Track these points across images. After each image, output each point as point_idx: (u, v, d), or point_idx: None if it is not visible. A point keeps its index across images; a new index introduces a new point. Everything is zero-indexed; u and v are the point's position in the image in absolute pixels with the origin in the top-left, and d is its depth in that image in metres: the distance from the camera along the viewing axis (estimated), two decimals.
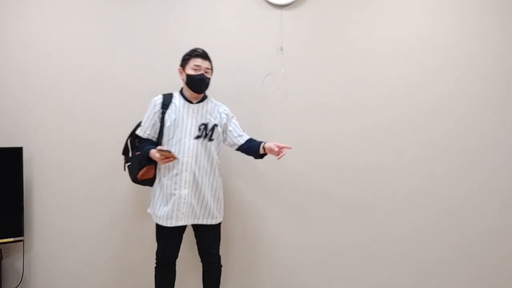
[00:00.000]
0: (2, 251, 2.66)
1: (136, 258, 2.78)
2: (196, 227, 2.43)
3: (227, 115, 2.47)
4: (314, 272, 2.77)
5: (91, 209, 2.76)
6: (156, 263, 2.45)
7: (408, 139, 2.72)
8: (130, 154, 2.48)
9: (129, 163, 2.47)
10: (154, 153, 2.29)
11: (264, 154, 2.43)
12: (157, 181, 2.41)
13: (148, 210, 2.44)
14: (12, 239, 2.59)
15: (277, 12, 2.76)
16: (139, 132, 2.42)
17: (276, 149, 2.30)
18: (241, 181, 2.76)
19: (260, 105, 2.75)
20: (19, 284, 2.70)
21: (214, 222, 2.40)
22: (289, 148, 2.32)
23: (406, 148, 2.72)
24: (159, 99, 2.41)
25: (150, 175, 2.39)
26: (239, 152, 2.51)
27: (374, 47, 2.74)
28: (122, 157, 2.68)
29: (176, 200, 2.31)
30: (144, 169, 2.36)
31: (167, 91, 2.74)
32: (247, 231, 2.78)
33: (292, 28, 2.76)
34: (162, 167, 2.37)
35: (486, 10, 2.68)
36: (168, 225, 2.32)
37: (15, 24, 2.75)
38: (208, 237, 2.42)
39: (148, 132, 2.40)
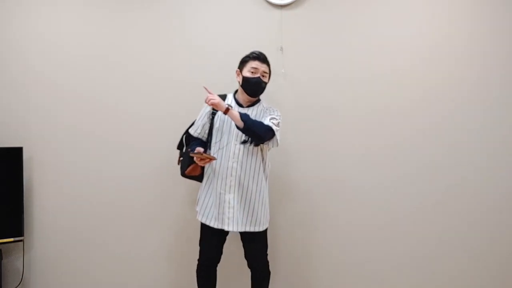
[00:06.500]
0: (2, 251, 2.66)
1: (135, 259, 2.78)
2: (242, 233, 2.37)
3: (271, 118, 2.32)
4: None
5: (90, 209, 2.76)
6: (197, 265, 2.43)
7: (409, 138, 2.73)
8: (184, 150, 2.49)
9: (182, 158, 2.48)
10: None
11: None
12: (205, 181, 2.41)
13: (197, 208, 2.43)
14: (12, 239, 2.59)
15: (277, 12, 2.76)
16: (191, 130, 2.43)
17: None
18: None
19: None
20: (19, 284, 2.70)
21: (260, 229, 2.34)
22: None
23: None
24: None
25: (196, 173, 2.39)
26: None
27: (375, 47, 2.74)
28: (122, 157, 2.69)
29: (222, 203, 2.30)
30: (191, 166, 2.37)
31: (169, 90, 2.75)
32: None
33: (292, 28, 2.75)
34: (210, 169, 2.37)
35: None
36: (213, 226, 2.32)
37: (15, 23, 2.74)
38: (255, 243, 2.38)
39: (198, 131, 2.41)
